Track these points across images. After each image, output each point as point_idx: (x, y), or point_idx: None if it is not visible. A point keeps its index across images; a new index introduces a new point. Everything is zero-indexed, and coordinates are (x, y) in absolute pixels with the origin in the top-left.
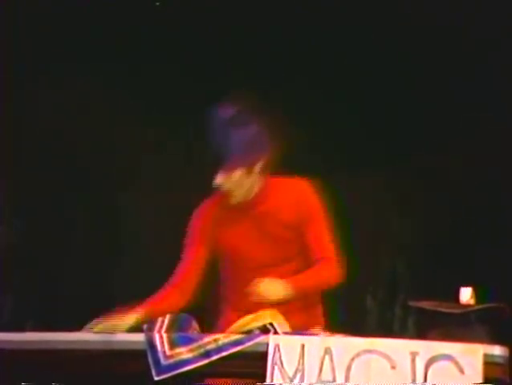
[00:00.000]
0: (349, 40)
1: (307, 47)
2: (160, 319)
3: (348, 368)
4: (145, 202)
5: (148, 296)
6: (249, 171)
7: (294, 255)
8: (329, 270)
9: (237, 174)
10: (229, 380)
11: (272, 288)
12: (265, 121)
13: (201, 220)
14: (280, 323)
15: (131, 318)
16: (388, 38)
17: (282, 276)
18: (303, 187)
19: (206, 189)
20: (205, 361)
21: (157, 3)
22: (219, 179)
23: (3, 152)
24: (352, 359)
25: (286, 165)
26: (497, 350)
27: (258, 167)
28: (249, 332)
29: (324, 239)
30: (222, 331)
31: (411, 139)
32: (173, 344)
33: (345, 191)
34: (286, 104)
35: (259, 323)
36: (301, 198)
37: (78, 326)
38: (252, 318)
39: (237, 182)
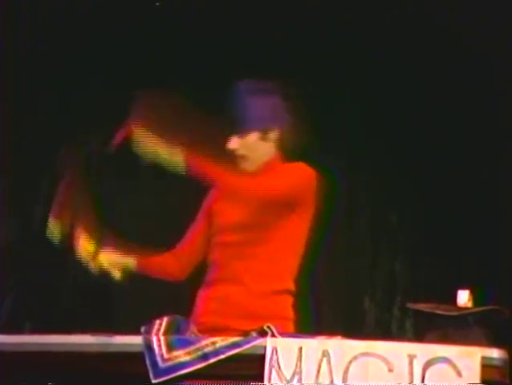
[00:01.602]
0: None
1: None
2: (157, 322)
3: (346, 371)
4: (146, 201)
5: (148, 296)
6: (264, 137)
7: (284, 235)
8: None
9: (252, 138)
10: (226, 383)
11: None
12: (285, 95)
13: (214, 196)
14: None
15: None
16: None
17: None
18: (306, 173)
19: None
20: (203, 364)
21: (157, 3)
22: (233, 143)
23: (1, 152)
24: (350, 362)
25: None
26: (494, 353)
27: (273, 134)
28: (246, 335)
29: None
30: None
31: (411, 139)
32: (171, 347)
33: (345, 191)
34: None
35: None
36: (303, 182)
37: (76, 329)
38: None
39: (251, 146)
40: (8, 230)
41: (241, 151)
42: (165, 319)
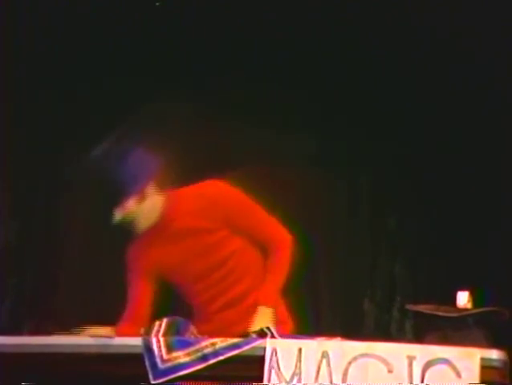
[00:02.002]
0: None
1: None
2: (157, 323)
3: (345, 372)
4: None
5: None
6: (142, 196)
7: (229, 254)
8: (282, 256)
9: (131, 203)
10: (226, 384)
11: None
12: (145, 147)
13: (135, 254)
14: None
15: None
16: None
17: (222, 279)
18: (214, 187)
19: None
20: (203, 365)
21: (157, 3)
22: (116, 215)
23: (1, 152)
24: (349, 363)
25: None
26: (494, 354)
27: (149, 189)
28: (246, 336)
29: (269, 226)
30: None
31: (411, 139)
32: (170, 348)
33: (344, 191)
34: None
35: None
36: (212, 200)
37: (76, 330)
38: None
39: (134, 211)
40: (8, 230)
41: (126, 219)
42: (165, 320)
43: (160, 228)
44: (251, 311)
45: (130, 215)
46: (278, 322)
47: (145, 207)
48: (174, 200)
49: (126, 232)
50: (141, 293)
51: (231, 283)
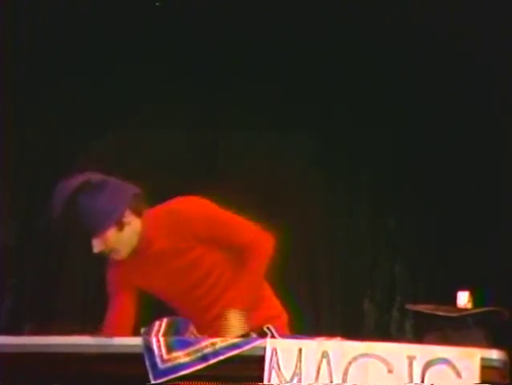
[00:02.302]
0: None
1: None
2: (157, 323)
3: (345, 372)
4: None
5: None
6: (120, 225)
7: (210, 268)
8: (257, 256)
9: (110, 234)
10: (226, 384)
11: (239, 322)
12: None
13: (116, 270)
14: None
15: None
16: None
17: (206, 294)
18: (177, 206)
19: None
20: (203, 365)
21: (157, 3)
22: (96, 247)
23: (1, 153)
24: (349, 363)
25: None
26: (494, 354)
27: (127, 218)
28: (246, 336)
29: (241, 231)
30: None
31: (411, 140)
32: (171, 348)
33: (344, 191)
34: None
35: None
36: (179, 217)
37: (76, 330)
38: None
39: (114, 241)
40: (8, 231)
41: (107, 250)
42: (165, 320)
43: (141, 250)
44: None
45: (110, 246)
46: (272, 317)
47: (125, 235)
48: (150, 221)
49: None
50: (122, 306)
51: (218, 295)
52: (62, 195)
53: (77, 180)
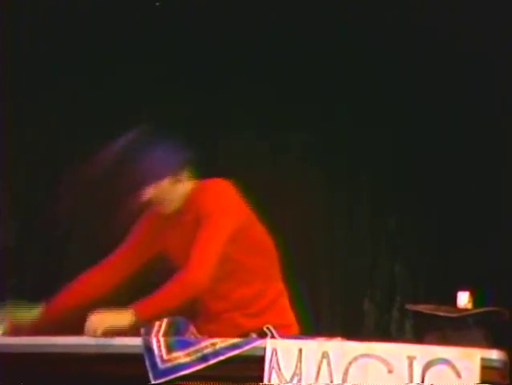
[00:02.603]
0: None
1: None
2: (157, 323)
3: (345, 372)
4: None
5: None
6: (176, 179)
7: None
8: (181, 282)
9: (165, 183)
10: (226, 384)
11: (106, 318)
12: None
13: (147, 223)
14: None
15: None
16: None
17: (226, 279)
18: (203, 187)
19: None
20: (203, 365)
21: (157, 3)
22: (148, 192)
23: (1, 153)
24: (350, 363)
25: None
26: (494, 354)
27: (184, 174)
28: (246, 336)
29: (198, 246)
30: None
31: (411, 140)
32: (171, 348)
33: (344, 191)
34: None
35: None
36: (197, 199)
37: (75, 330)
38: None
39: (165, 191)
40: (8, 231)
41: (156, 199)
42: (165, 320)
43: (180, 213)
44: (256, 315)
45: (161, 197)
46: (282, 326)
47: (176, 191)
48: (195, 191)
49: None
50: (134, 246)
51: (236, 285)
52: (121, 142)
53: (138, 130)
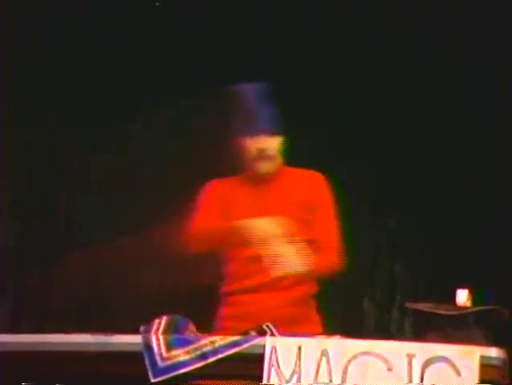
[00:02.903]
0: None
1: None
2: (156, 321)
3: (345, 370)
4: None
5: (146, 297)
6: (283, 141)
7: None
8: (329, 258)
9: (278, 140)
10: (225, 382)
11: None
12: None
13: (214, 192)
14: None
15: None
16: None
17: None
18: (318, 177)
19: None
20: (202, 363)
21: (157, 3)
22: (264, 142)
23: (1, 153)
24: (349, 361)
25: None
26: (493, 352)
27: (285, 140)
28: (245, 334)
29: (329, 229)
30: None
31: (411, 140)
32: (170, 346)
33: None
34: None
35: None
36: (314, 186)
37: (74, 328)
38: None
39: (277, 149)
40: (8, 231)
41: (270, 152)
42: (164, 318)
43: (265, 179)
44: (285, 302)
45: (271, 151)
46: (307, 321)
47: (281, 153)
48: (283, 168)
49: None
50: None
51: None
52: (248, 92)
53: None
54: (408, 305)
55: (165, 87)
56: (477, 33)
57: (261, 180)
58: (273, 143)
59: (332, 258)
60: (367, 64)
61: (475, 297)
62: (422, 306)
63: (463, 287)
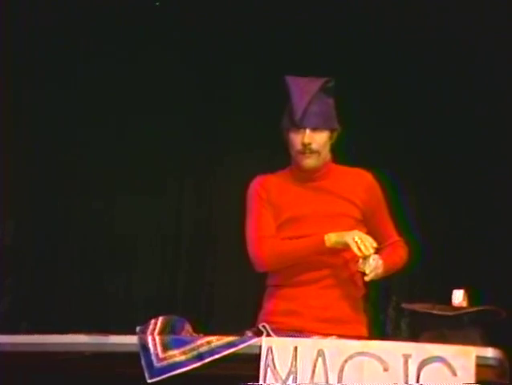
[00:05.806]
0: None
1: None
2: (152, 321)
3: (341, 370)
4: (142, 204)
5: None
6: (331, 136)
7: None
8: (403, 252)
9: (324, 135)
10: (222, 383)
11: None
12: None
13: (264, 189)
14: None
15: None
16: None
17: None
18: (371, 176)
19: None
20: (198, 363)
21: (157, 3)
22: (309, 137)
23: (1, 153)
24: (345, 361)
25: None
26: (489, 353)
27: (334, 136)
28: (241, 334)
29: (391, 226)
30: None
31: (411, 139)
32: (166, 346)
33: None
34: None
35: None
36: (371, 185)
37: (72, 328)
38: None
39: (323, 143)
40: (8, 231)
41: (314, 146)
42: (160, 319)
43: (312, 175)
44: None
45: (319, 146)
46: (355, 322)
47: (327, 147)
48: (333, 166)
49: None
50: (268, 218)
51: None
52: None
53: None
54: (405, 305)
55: (165, 87)
56: (477, 33)
57: (308, 177)
58: (318, 138)
59: (406, 251)
60: (367, 64)
61: (471, 298)
62: (418, 307)
63: (459, 287)
